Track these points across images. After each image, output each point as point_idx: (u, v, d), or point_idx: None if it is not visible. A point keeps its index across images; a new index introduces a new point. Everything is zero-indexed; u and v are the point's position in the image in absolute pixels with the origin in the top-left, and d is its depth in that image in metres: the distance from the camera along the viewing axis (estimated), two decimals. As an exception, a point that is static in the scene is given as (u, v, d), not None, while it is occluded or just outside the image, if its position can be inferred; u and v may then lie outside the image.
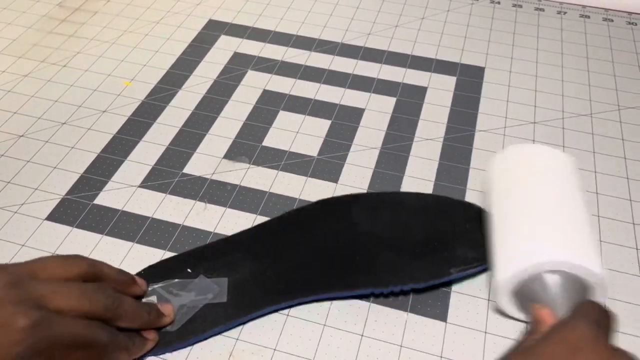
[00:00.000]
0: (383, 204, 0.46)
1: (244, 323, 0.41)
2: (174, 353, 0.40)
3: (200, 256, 0.44)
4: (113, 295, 0.35)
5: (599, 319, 0.31)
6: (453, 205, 0.47)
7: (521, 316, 0.41)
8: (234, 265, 0.43)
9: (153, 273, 0.43)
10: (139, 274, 0.43)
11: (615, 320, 0.32)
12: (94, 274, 0.36)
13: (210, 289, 0.41)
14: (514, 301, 0.40)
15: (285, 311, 0.42)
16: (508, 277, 0.38)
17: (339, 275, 0.42)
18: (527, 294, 0.38)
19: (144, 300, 0.41)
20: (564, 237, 0.38)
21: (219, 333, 0.41)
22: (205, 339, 0.40)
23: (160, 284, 0.42)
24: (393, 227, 0.44)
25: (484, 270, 0.44)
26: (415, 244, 0.44)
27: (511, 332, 0.41)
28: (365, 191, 0.50)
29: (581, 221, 0.39)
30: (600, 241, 0.47)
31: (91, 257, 0.44)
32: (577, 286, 0.37)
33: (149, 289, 0.42)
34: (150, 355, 0.39)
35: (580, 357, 0.28)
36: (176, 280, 0.42)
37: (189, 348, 0.40)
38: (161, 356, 0.39)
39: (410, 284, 0.41)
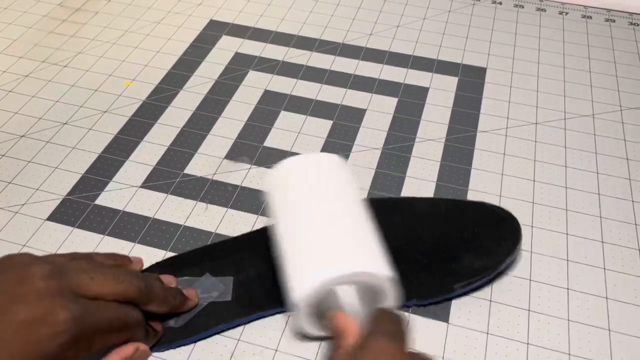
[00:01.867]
0: (394, 210, 0.46)
1: (247, 322, 0.41)
2: (175, 354, 0.40)
3: (207, 255, 0.44)
4: (145, 278, 0.36)
5: (395, 330, 0.31)
6: (466, 208, 0.46)
7: (325, 333, 0.39)
8: (241, 264, 0.43)
9: (158, 270, 0.43)
10: (143, 272, 0.43)
11: (407, 322, 0.33)
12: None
13: (215, 287, 0.41)
14: (315, 321, 0.38)
15: (288, 312, 0.42)
16: (301, 301, 0.36)
17: None
18: (323, 309, 0.36)
19: None
20: (341, 250, 0.36)
21: (223, 331, 0.41)
22: (209, 336, 0.40)
23: None
24: (402, 235, 0.44)
25: (489, 281, 0.44)
26: (423, 253, 0.43)
27: (514, 333, 0.41)
28: (366, 192, 0.50)
29: (355, 226, 0.38)
30: (603, 242, 0.47)
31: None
32: (368, 290, 0.36)
33: None
34: (154, 352, 0.39)
35: None
36: (181, 277, 0.42)
37: (190, 348, 0.40)
38: (162, 356, 0.39)
39: (414, 300, 0.41)
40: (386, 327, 0.31)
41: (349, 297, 0.35)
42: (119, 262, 0.39)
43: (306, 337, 0.40)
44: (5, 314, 0.29)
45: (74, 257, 0.35)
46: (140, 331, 0.36)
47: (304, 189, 0.40)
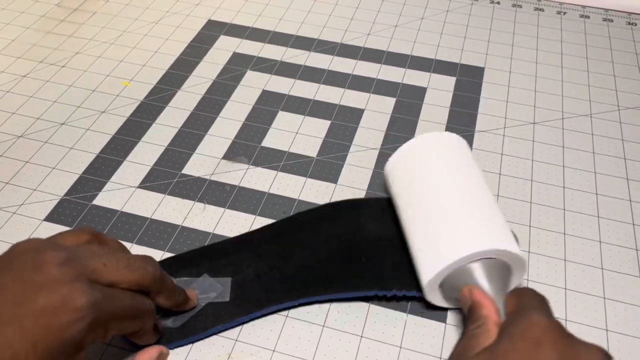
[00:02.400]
0: (391, 208, 0.46)
1: (245, 322, 0.41)
2: (172, 354, 0.39)
3: (204, 256, 0.44)
4: (158, 266, 0.36)
5: (544, 306, 0.32)
6: None
7: (449, 304, 0.41)
8: (239, 265, 0.43)
9: None
10: None
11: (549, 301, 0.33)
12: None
13: (213, 288, 0.42)
14: (441, 292, 0.40)
15: (285, 312, 0.42)
16: (434, 276, 0.38)
17: (344, 276, 0.42)
18: (453, 285, 0.38)
19: None
20: (475, 227, 0.38)
21: (221, 331, 0.41)
22: (207, 336, 0.40)
23: None
24: (401, 231, 0.44)
25: None
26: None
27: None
28: (364, 192, 0.50)
29: (486, 205, 0.40)
30: (600, 242, 0.47)
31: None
32: (500, 268, 0.37)
33: None
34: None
35: (545, 350, 0.28)
36: (179, 278, 0.42)
37: (187, 349, 0.40)
38: (160, 357, 0.39)
39: (414, 292, 0.41)
40: (536, 303, 0.32)
41: (480, 274, 0.37)
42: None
43: (433, 306, 0.42)
44: (24, 302, 0.29)
45: (82, 236, 0.34)
46: (151, 321, 0.35)
47: (429, 169, 0.42)
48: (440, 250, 0.38)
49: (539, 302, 0.32)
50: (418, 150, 0.44)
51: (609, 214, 0.49)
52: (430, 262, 0.38)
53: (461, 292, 0.37)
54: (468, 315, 0.35)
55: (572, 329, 0.41)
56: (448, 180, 0.41)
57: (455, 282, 0.38)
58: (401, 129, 0.56)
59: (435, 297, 0.40)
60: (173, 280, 0.38)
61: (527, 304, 0.32)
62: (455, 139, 0.44)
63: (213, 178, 0.52)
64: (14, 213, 0.48)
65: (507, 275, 0.38)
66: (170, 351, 0.39)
